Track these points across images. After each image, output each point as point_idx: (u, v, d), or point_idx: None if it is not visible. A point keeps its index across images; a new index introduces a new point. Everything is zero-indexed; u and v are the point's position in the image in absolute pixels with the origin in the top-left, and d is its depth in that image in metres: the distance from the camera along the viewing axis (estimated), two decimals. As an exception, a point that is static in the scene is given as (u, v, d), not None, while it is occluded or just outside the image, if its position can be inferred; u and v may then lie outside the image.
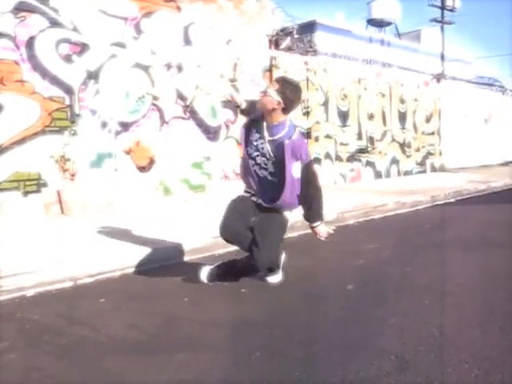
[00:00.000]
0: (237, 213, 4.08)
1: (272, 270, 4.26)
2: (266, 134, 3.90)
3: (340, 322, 3.42)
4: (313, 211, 4.04)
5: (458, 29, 30.07)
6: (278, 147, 3.84)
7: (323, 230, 4.07)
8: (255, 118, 4.02)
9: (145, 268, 4.82)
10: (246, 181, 4.22)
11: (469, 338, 3.06)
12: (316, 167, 4.34)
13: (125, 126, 8.06)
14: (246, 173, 4.17)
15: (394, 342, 3.01)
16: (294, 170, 3.85)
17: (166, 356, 2.89)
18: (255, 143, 3.97)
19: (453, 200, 9.99)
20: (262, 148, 3.93)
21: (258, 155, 3.98)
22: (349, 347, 2.96)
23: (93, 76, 7.64)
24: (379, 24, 39.10)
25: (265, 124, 3.92)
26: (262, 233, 3.96)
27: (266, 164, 3.98)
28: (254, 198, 4.16)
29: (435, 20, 24.28)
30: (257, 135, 3.96)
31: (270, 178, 4.02)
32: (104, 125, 7.80)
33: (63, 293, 4.15)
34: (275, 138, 3.88)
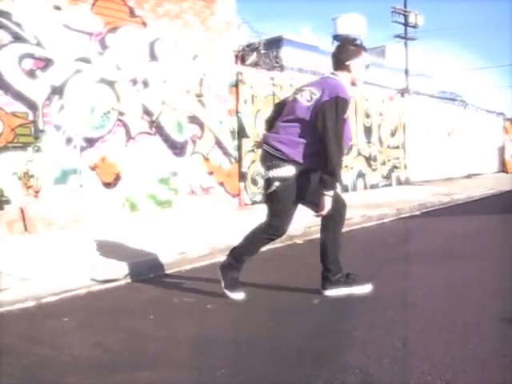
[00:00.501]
0: None
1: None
2: None
3: (305, 336, 3.44)
4: None
5: (422, 44, 30.71)
6: None
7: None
8: None
9: (111, 285, 4.77)
10: None
11: (431, 349, 3.11)
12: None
13: (90, 142, 7.98)
14: None
15: (359, 356, 3.04)
16: None
17: (129, 374, 2.86)
18: None
19: (418, 213, 10.16)
20: None
21: None
22: (314, 362, 2.98)
23: (57, 91, 7.57)
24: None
25: None
26: None
27: None
28: None
29: (399, 36, 24.78)
30: None
31: None
32: (69, 141, 7.72)
33: (26, 312, 4.06)
34: None
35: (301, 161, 3.94)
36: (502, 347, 3.12)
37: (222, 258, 5.87)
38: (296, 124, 3.99)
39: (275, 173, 3.99)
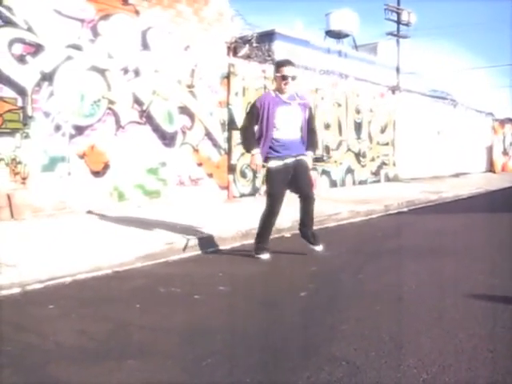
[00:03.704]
0: None
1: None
2: None
3: (292, 328, 3.43)
4: None
5: (414, 42, 30.80)
6: None
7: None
8: None
9: (96, 274, 4.73)
10: None
11: (417, 343, 3.12)
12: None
13: (79, 130, 7.90)
14: None
15: (345, 348, 3.04)
16: None
17: (114, 362, 2.84)
18: None
19: (405, 209, 10.20)
20: None
21: None
22: (300, 353, 2.97)
23: (47, 78, 7.47)
24: (337, 35, 39.63)
25: None
26: None
27: None
28: None
29: (391, 34, 24.79)
30: None
31: None
32: (58, 128, 7.63)
33: (11, 299, 4.02)
34: None
35: None
36: (489, 342, 3.14)
37: (210, 249, 5.92)
38: None
39: None
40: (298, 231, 5.82)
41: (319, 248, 5.64)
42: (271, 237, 5.70)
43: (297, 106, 5.51)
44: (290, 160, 5.43)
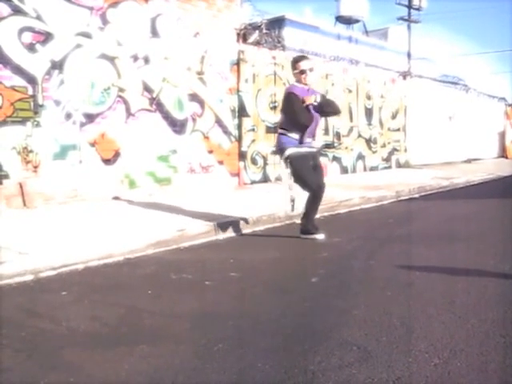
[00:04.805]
0: None
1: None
2: None
3: (303, 313, 3.44)
4: None
5: (424, 28, 30.52)
6: None
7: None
8: None
9: (108, 261, 4.76)
10: None
11: (429, 328, 3.12)
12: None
13: (90, 118, 7.92)
14: None
15: (357, 333, 3.04)
16: None
17: (127, 348, 2.86)
18: None
19: (417, 195, 10.15)
20: None
21: None
22: (311, 338, 2.98)
23: (57, 66, 7.49)
24: (347, 21, 39.37)
25: None
26: None
27: None
28: None
29: (402, 18, 24.59)
30: None
31: None
32: (68, 116, 7.66)
33: (24, 286, 4.06)
34: None
35: None
36: (501, 328, 3.12)
37: (221, 235, 5.93)
38: None
39: None
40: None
41: (321, 236, 5.81)
42: (282, 223, 5.74)
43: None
44: (310, 148, 5.78)
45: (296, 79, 5.86)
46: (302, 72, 5.68)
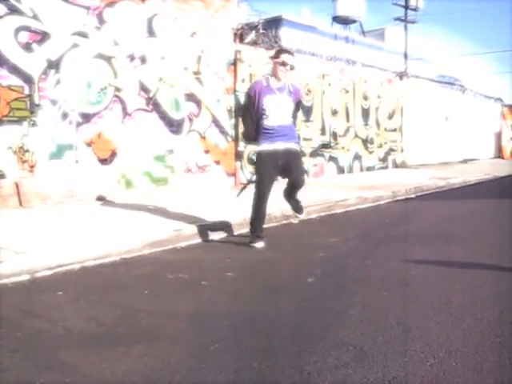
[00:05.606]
0: None
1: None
2: None
3: (299, 313, 3.44)
4: None
5: (421, 28, 30.58)
6: None
7: None
8: None
9: (105, 261, 4.76)
10: None
11: (425, 328, 3.12)
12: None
13: (86, 118, 7.91)
14: None
15: (353, 333, 3.05)
16: None
17: (123, 348, 2.86)
18: None
19: (413, 196, 10.17)
20: None
21: None
22: (307, 338, 2.98)
23: (53, 65, 7.47)
24: (344, 21, 39.45)
25: None
26: None
27: None
28: None
29: (399, 19, 24.65)
30: None
31: None
32: (65, 116, 7.65)
33: (20, 286, 4.05)
34: None
35: None
36: (496, 328, 3.13)
37: (216, 236, 5.93)
38: None
39: None
40: (305, 218, 5.83)
41: (301, 215, 6.01)
42: (279, 223, 5.72)
43: (286, 96, 5.44)
44: (280, 146, 5.38)
45: (272, 70, 5.54)
46: (283, 64, 5.34)
